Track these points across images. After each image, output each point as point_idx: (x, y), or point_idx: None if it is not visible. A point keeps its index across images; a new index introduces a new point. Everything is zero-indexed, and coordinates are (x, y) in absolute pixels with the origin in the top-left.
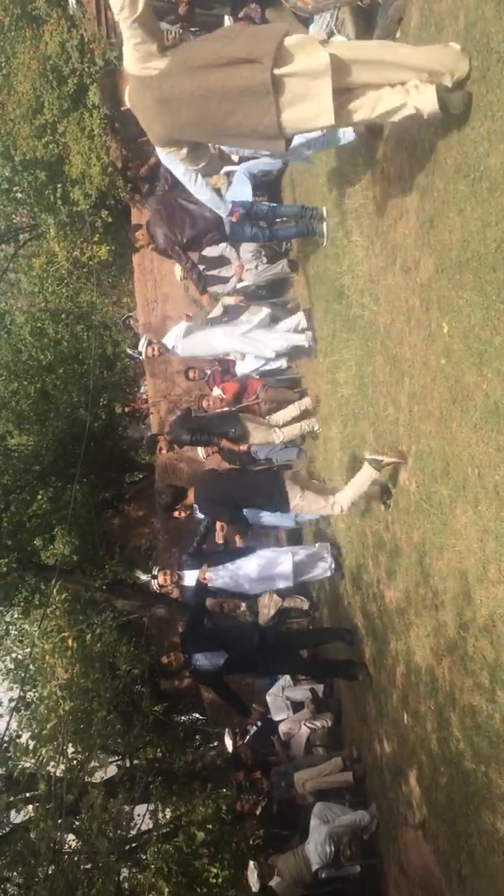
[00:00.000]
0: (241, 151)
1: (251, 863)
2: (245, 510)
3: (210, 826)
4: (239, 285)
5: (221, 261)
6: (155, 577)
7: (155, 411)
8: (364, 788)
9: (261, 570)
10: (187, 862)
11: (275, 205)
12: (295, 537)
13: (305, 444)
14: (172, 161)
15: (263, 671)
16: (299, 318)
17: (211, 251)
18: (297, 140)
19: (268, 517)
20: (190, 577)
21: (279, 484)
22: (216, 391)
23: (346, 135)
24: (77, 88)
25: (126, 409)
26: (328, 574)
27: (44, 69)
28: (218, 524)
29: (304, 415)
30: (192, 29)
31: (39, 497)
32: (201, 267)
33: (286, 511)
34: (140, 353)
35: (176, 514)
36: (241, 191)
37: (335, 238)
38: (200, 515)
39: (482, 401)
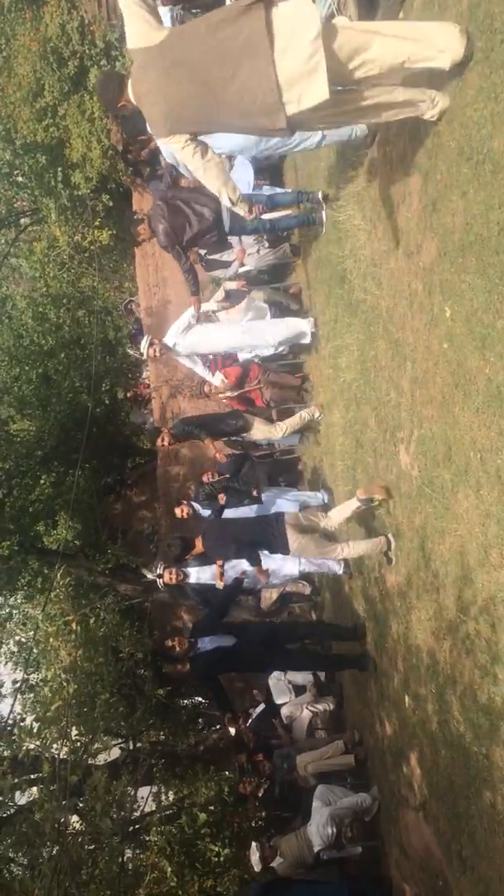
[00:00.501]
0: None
1: (254, 843)
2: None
3: (212, 807)
4: (241, 270)
5: (223, 245)
6: (160, 575)
7: (157, 396)
8: (365, 771)
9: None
10: (189, 842)
11: (272, 192)
12: None
13: (308, 434)
14: (188, 159)
15: (271, 667)
16: (307, 325)
17: (213, 235)
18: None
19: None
20: (195, 575)
21: (279, 528)
22: (218, 376)
23: (356, 131)
24: (77, 71)
25: (128, 395)
26: (339, 573)
27: (44, 51)
28: (217, 568)
29: (309, 424)
30: (194, 10)
31: (42, 482)
32: (202, 252)
33: (286, 553)
34: (142, 353)
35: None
36: (243, 175)
37: (337, 221)
38: (205, 513)
39: (484, 385)
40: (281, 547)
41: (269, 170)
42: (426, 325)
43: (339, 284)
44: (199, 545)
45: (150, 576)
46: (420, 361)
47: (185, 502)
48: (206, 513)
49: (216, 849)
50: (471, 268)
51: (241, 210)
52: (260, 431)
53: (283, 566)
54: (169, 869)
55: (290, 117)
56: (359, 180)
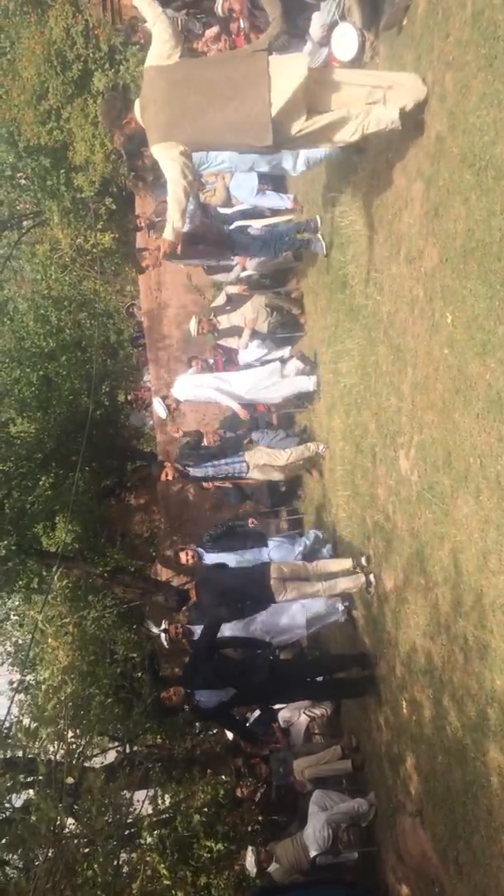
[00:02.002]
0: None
1: (249, 848)
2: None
3: (207, 809)
4: (242, 274)
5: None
6: (166, 630)
7: (153, 396)
8: (362, 776)
9: (273, 622)
10: (183, 840)
11: (271, 225)
12: None
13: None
14: (170, 168)
15: (274, 701)
16: (311, 383)
17: None
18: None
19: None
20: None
21: (265, 580)
22: None
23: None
24: (81, 74)
25: (128, 397)
26: (342, 620)
27: (48, 54)
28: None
29: (312, 456)
30: (199, 15)
31: (41, 484)
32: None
33: (275, 603)
34: (164, 417)
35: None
36: (247, 181)
37: (339, 227)
38: (209, 557)
39: (485, 391)
40: (267, 599)
41: (270, 177)
42: (427, 331)
43: (340, 289)
44: (193, 595)
45: (154, 630)
46: (421, 367)
47: (190, 547)
48: (210, 557)
49: (209, 844)
50: (472, 274)
51: (168, 234)
52: (262, 455)
53: (290, 623)
54: (162, 866)
55: (275, 136)
56: (361, 185)
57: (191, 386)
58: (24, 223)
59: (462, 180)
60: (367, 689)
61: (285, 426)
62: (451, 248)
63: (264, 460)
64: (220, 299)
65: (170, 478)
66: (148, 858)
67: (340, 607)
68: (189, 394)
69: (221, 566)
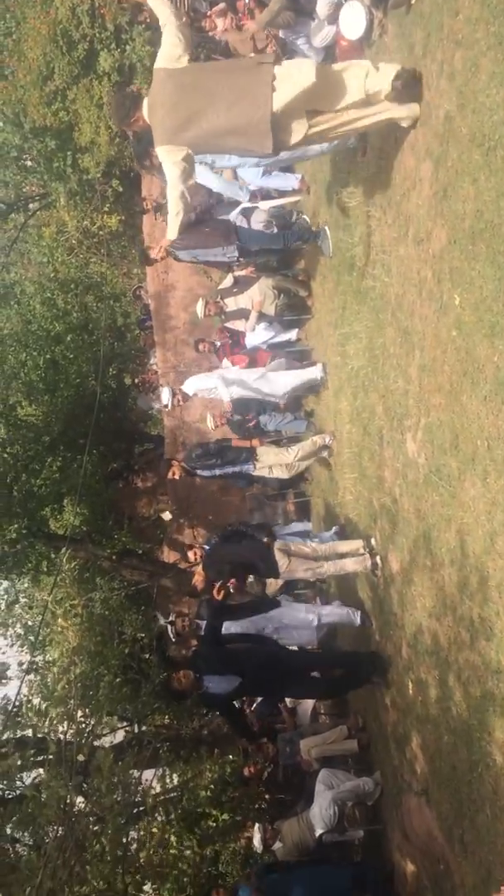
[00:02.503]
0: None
1: (256, 825)
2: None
3: (214, 787)
4: None
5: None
6: (172, 622)
7: (164, 382)
8: (368, 756)
9: (284, 623)
10: (189, 812)
11: (277, 206)
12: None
13: (314, 421)
14: (170, 169)
15: (280, 694)
16: (318, 371)
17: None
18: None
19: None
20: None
21: (269, 554)
22: (226, 363)
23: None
24: (87, 54)
25: (135, 381)
26: (356, 623)
27: (54, 34)
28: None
29: (320, 449)
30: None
31: (49, 467)
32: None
33: (277, 577)
34: (166, 405)
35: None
36: (251, 170)
37: (347, 209)
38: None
39: (493, 373)
40: (272, 571)
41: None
42: (435, 313)
43: (348, 272)
44: (198, 577)
45: (162, 621)
46: (428, 349)
47: (198, 545)
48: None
49: (215, 813)
50: (481, 255)
51: (171, 235)
52: (269, 453)
53: (300, 625)
54: (170, 833)
55: (275, 142)
56: (369, 166)
57: (199, 380)
58: (31, 205)
59: (471, 160)
60: (379, 683)
61: (293, 409)
62: (460, 230)
63: (272, 461)
64: (227, 281)
65: (176, 476)
66: (155, 829)
67: (357, 619)
68: (199, 385)
69: (228, 538)
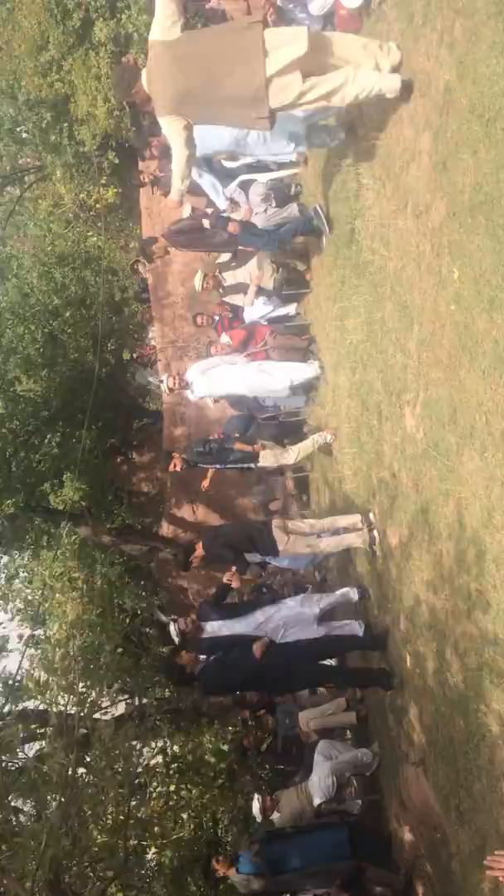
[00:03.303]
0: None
1: (256, 794)
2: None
3: (214, 758)
4: None
5: (231, 204)
6: (175, 620)
7: (163, 357)
8: (367, 727)
9: (284, 617)
10: (190, 765)
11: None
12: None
13: (313, 396)
14: (174, 136)
15: (282, 686)
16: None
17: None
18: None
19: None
20: (210, 628)
21: (268, 532)
22: (224, 338)
23: (334, 135)
24: (82, 23)
25: (134, 356)
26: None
27: (48, 3)
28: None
29: (320, 448)
30: None
31: (48, 442)
32: (210, 210)
33: (277, 555)
34: (161, 382)
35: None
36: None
37: (346, 181)
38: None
39: (491, 347)
40: (271, 550)
41: None
42: (434, 287)
43: (346, 245)
44: (199, 549)
45: (164, 618)
46: (427, 324)
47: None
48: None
49: (212, 761)
50: (480, 228)
51: (175, 195)
52: (270, 457)
53: (300, 613)
54: (172, 786)
55: (271, 109)
56: (368, 138)
57: (197, 371)
58: (27, 178)
59: (471, 132)
60: (387, 680)
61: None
62: (459, 202)
63: (272, 462)
64: (226, 255)
65: (178, 469)
66: (156, 785)
67: (354, 595)
68: (195, 377)
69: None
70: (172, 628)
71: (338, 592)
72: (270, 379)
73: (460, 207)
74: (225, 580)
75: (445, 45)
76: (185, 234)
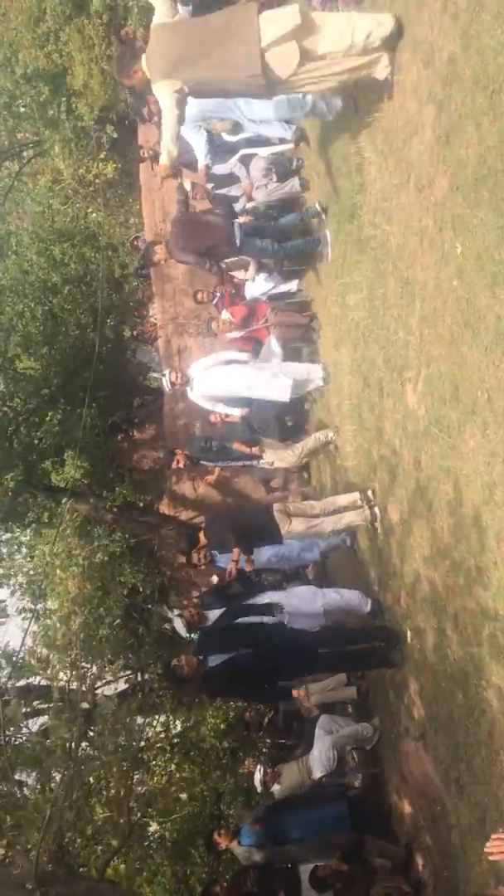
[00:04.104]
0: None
1: (258, 766)
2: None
3: (215, 733)
4: (248, 205)
5: (231, 178)
6: (181, 615)
7: (163, 334)
8: (367, 702)
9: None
10: (192, 743)
11: (275, 223)
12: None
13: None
14: (164, 97)
15: (286, 675)
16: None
17: (220, 168)
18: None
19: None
20: (213, 616)
21: (270, 517)
22: (225, 314)
23: (332, 107)
24: None
25: (134, 333)
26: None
27: None
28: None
29: (323, 446)
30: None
31: (49, 420)
32: (210, 185)
33: (280, 542)
34: (164, 376)
35: (196, 560)
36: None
37: (348, 154)
38: (221, 564)
39: (494, 323)
40: (275, 535)
41: None
42: (436, 263)
43: (348, 220)
44: (202, 538)
45: (169, 614)
46: (429, 300)
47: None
48: (223, 558)
49: (215, 742)
50: (483, 202)
51: (165, 159)
52: (272, 456)
53: (305, 603)
54: (173, 765)
55: (267, 79)
56: (370, 111)
57: (201, 368)
58: (25, 153)
59: (475, 104)
60: (393, 658)
61: (293, 361)
62: (462, 176)
63: (273, 461)
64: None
65: (181, 465)
66: (158, 761)
67: (366, 607)
68: (197, 375)
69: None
70: (178, 624)
71: (344, 592)
72: (274, 384)
73: (463, 181)
74: (231, 564)
75: (449, 14)
76: (184, 228)
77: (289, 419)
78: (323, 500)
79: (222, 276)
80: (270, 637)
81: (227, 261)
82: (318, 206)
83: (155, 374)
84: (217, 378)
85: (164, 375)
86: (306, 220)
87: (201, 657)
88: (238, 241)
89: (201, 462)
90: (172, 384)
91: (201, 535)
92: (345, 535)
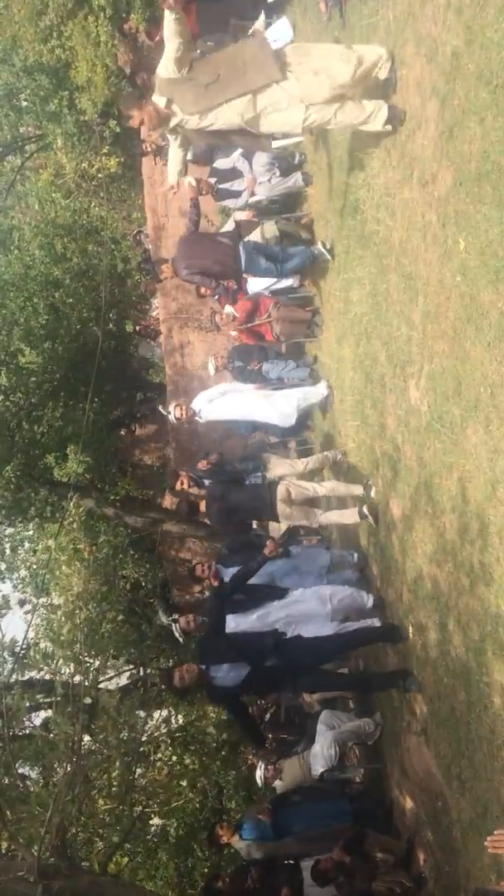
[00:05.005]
0: None
1: (260, 762)
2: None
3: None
4: (251, 200)
5: (234, 173)
6: (176, 620)
7: (165, 329)
8: (369, 698)
9: (295, 611)
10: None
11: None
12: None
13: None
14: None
15: (290, 686)
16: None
17: (223, 163)
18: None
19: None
20: (229, 573)
21: (273, 500)
22: (228, 309)
23: None
24: None
25: (137, 328)
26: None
27: None
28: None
29: (331, 462)
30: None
31: (51, 414)
32: (213, 179)
33: (277, 520)
34: (169, 413)
35: (200, 573)
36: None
37: (352, 150)
38: (227, 572)
39: (497, 319)
40: (273, 517)
41: None
42: (439, 258)
43: (351, 215)
44: (202, 508)
45: (165, 620)
46: (432, 295)
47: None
48: (229, 571)
49: (215, 733)
50: (487, 198)
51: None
52: (280, 467)
53: (312, 609)
54: (174, 756)
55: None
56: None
57: (206, 400)
58: (27, 147)
59: (478, 99)
60: (407, 682)
61: (295, 356)
62: (466, 171)
63: (281, 471)
64: (229, 226)
65: (185, 487)
66: (160, 755)
67: (368, 602)
68: (202, 406)
69: (232, 484)
70: (175, 629)
71: (350, 590)
72: (278, 408)
73: (467, 176)
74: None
75: (453, 9)
76: (190, 247)
77: (295, 439)
78: (326, 483)
79: (224, 296)
80: (271, 654)
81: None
82: (321, 247)
83: (160, 408)
84: (223, 407)
85: (169, 412)
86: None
87: (204, 666)
88: (243, 261)
89: (205, 482)
90: (178, 419)
91: (201, 506)
92: (367, 595)
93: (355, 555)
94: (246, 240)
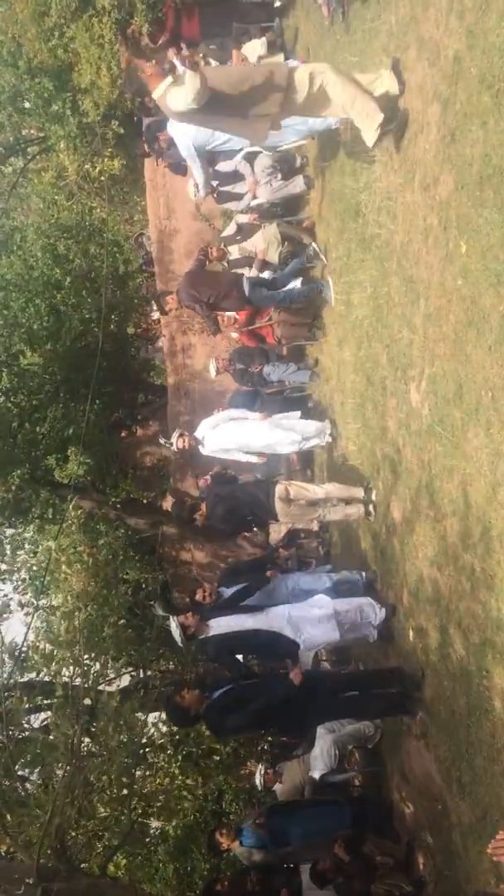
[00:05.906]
0: None
1: (259, 765)
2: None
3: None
4: (253, 202)
5: (235, 176)
6: (175, 616)
7: (167, 332)
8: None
9: (301, 627)
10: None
11: (278, 274)
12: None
13: (317, 371)
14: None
15: (299, 727)
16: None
17: (225, 166)
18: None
19: (304, 582)
20: (216, 625)
21: (271, 499)
22: (230, 312)
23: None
24: None
25: (138, 330)
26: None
27: None
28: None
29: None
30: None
31: (52, 416)
32: (215, 183)
33: (276, 520)
34: (171, 444)
35: (201, 598)
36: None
37: (353, 153)
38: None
39: (498, 322)
40: (269, 513)
41: None
42: (441, 262)
43: (352, 218)
44: (203, 509)
45: (162, 613)
46: (433, 298)
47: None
48: (228, 592)
49: (218, 748)
50: (488, 201)
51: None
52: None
53: (320, 634)
54: (175, 766)
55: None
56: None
57: (208, 427)
58: (30, 149)
59: (480, 103)
60: (412, 706)
61: (296, 359)
62: (467, 175)
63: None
64: (231, 228)
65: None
66: (161, 763)
67: (376, 618)
68: (205, 433)
69: (230, 482)
70: (174, 625)
71: (355, 601)
72: (281, 436)
73: (468, 180)
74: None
75: (455, 13)
76: (194, 280)
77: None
78: (326, 485)
79: (215, 323)
80: (282, 691)
81: (230, 258)
82: (315, 248)
83: (163, 441)
84: (227, 434)
85: (170, 444)
86: (306, 266)
87: (207, 694)
88: (247, 292)
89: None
90: (181, 450)
91: (203, 507)
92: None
93: (364, 574)
94: (245, 277)
